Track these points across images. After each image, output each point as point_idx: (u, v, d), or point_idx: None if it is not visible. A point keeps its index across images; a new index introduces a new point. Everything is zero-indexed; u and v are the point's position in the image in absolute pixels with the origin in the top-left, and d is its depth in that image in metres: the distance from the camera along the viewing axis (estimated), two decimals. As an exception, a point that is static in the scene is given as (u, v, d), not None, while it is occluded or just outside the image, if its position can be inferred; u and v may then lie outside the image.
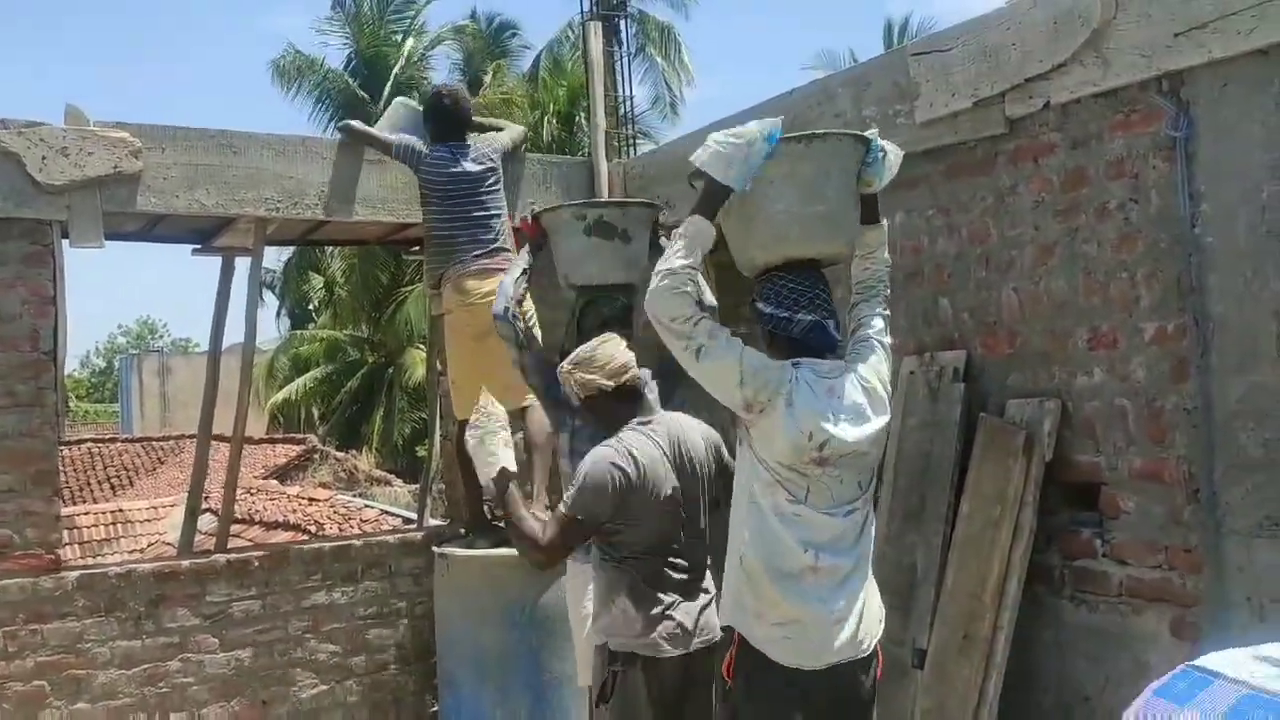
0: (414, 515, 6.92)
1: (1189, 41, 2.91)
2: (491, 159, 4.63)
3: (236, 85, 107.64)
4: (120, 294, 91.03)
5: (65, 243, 4.34)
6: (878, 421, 2.66)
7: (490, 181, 4.59)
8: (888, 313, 2.88)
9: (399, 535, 5.39)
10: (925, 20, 25.54)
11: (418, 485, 8.16)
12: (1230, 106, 2.90)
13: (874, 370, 2.73)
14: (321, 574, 4.78)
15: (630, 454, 3.03)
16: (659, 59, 21.60)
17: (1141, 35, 3.03)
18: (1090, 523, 3.30)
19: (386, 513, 11.31)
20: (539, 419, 4.51)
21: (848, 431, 2.59)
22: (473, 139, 4.72)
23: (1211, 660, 1.83)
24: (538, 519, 3.09)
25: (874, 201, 2.85)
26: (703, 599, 3.07)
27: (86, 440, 21.02)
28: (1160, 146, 3.07)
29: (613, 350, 3.12)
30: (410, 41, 21.30)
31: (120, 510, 14.20)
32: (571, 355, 3.18)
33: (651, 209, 3.96)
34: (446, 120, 4.63)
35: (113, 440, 21.70)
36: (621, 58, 17.13)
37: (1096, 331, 3.26)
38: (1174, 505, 3.04)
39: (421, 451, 16.81)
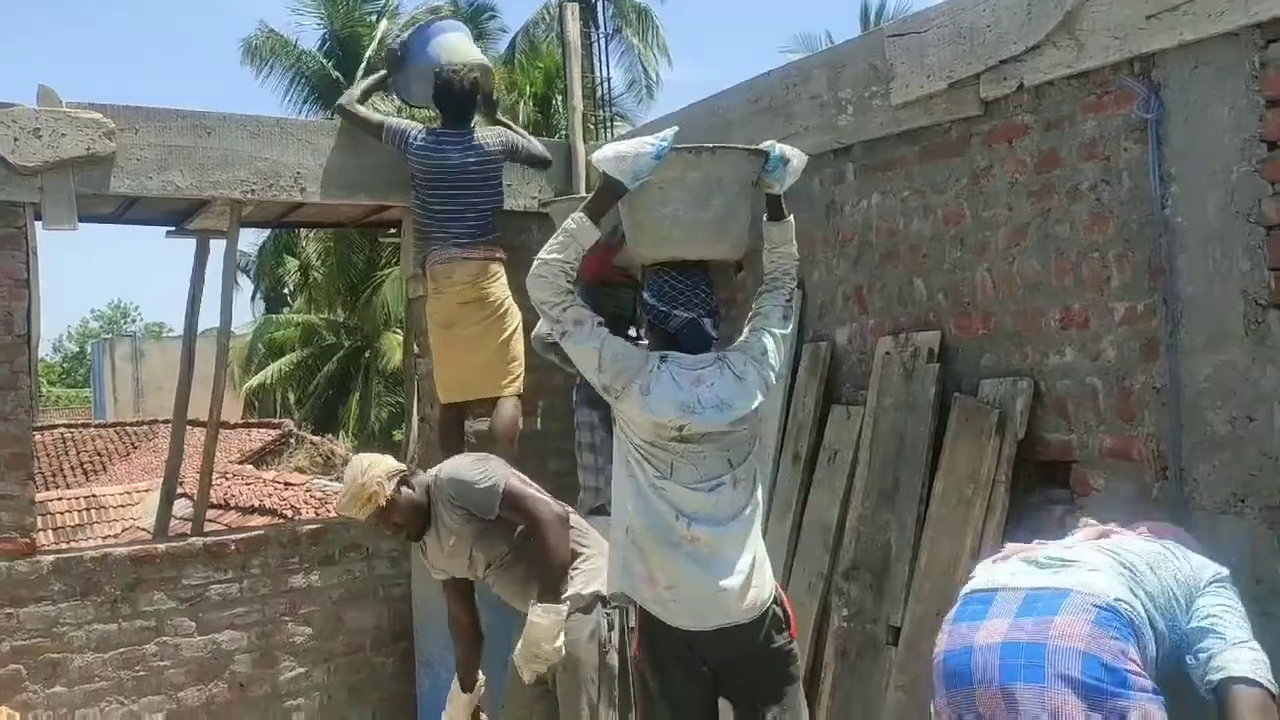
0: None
1: (1160, 24, 2.94)
2: (486, 149, 4.56)
3: (211, 69, 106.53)
4: (93, 278, 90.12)
5: (38, 225, 4.30)
6: (742, 409, 2.86)
7: (473, 173, 4.53)
8: (789, 302, 3.07)
9: (377, 518, 5.38)
10: (901, 4, 25.53)
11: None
12: (1201, 89, 2.92)
13: (754, 360, 2.93)
14: (299, 557, 4.78)
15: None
16: (636, 42, 21.51)
17: (1114, 17, 3.06)
18: (1061, 500, 3.34)
19: (363, 496, 11.25)
20: (507, 414, 4.55)
21: (708, 417, 2.80)
22: (479, 126, 4.66)
23: (978, 582, 2.38)
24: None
25: (778, 200, 3.03)
26: None
27: (59, 425, 20.84)
28: (1132, 128, 3.10)
29: (353, 473, 3.41)
30: (384, 23, 21.11)
31: (94, 496, 14.11)
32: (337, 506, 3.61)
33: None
34: (442, 102, 4.59)
35: (85, 425, 21.54)
36: (598, 39, 17.05)
37: (1068, 311, 3.29)
38: (1143, 483, 3.09)
39: (399, 435, 16.76)
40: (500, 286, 4.52)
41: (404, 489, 3.43)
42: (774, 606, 2.93)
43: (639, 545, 2.84)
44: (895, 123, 3.78)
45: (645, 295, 2.97)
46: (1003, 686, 2.11)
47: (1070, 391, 3.29)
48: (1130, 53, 3.03)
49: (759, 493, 2.96)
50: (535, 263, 2.87)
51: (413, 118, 5.57)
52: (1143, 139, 3.06)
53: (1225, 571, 2.39)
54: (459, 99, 4.56)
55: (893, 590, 3.62)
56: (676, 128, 2.84)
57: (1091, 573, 2.26)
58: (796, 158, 2.96)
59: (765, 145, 2.94)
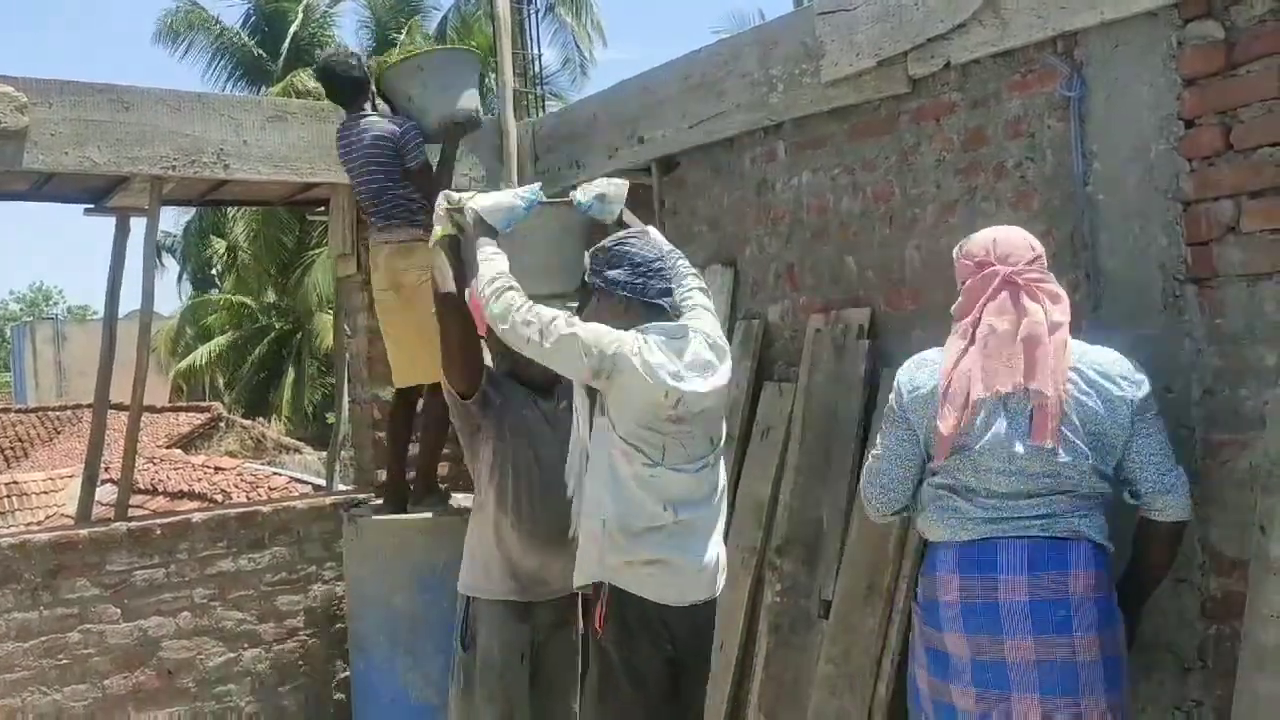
0: (324, 482, 6.83)
1: (1082, 3, 2.98)
2: (374, 133, 4.28)
3: (123, 43, 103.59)
4: (11, 259, 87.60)
5: (-53, 202, 4.16)
6: (723, 372, 2.94)
7: (366, 156, 4.28)
8: (701, 284, 3.17)
9: (307, 500, 5.32)
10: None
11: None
12: (1121, 67, 2.97)
13: (713, 327, 3.03)
14: (227, 541, 4.70)
15: None
16: (569, 20, 21.36)
17: (1038, -4, 3.09)
18: (988, 473, 3.40)
19: (296, 479, 11.17)
20: (442, 404, 4.46)
21: (699, 385, 2.84)
22: (378, 113, 4.50)
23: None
24: None
25: (620, 222, 3.24)
26: None
27: (-23, 411, 20.25)
28: (1055, 106, 3.15)
29: None
30: (307, -1, 20.69)
31: (15, 482, 13.73)
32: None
33: None
34: (328, 88, 4.54)
35: (6, 410, 20.97)
36: (530, 16, 16.91)
37: (995, 287, 3.33)
38: (1067, 455, 3.14)
39: (332, 418, 16.56)
40: (419, 271, 4.35)
41: None
42: None
43: (613, 539, 2.84)
44: (825, 100, 3.79)
45: (613, 274, 2.94)
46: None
47: (996, 366, 3.33)
48: (1053, 31, 3.08)
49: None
50: (484, 299, 2.91)
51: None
52: (1066, 117, 3.10)
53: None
54: (337, 82, 4.43)
55: (825, 564, 3.66)
56: (540, 183, 3.17)
57: None
58: (612, 187, 3.19)
59: (571, 195, 3.21)
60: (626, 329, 2.85)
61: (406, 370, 4.47)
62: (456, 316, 3.13)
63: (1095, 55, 3.03)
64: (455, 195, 3.20)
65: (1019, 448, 2.50)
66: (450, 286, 3.13)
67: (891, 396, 2.74)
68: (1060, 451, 2.47)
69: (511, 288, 2.90)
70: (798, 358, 3.95)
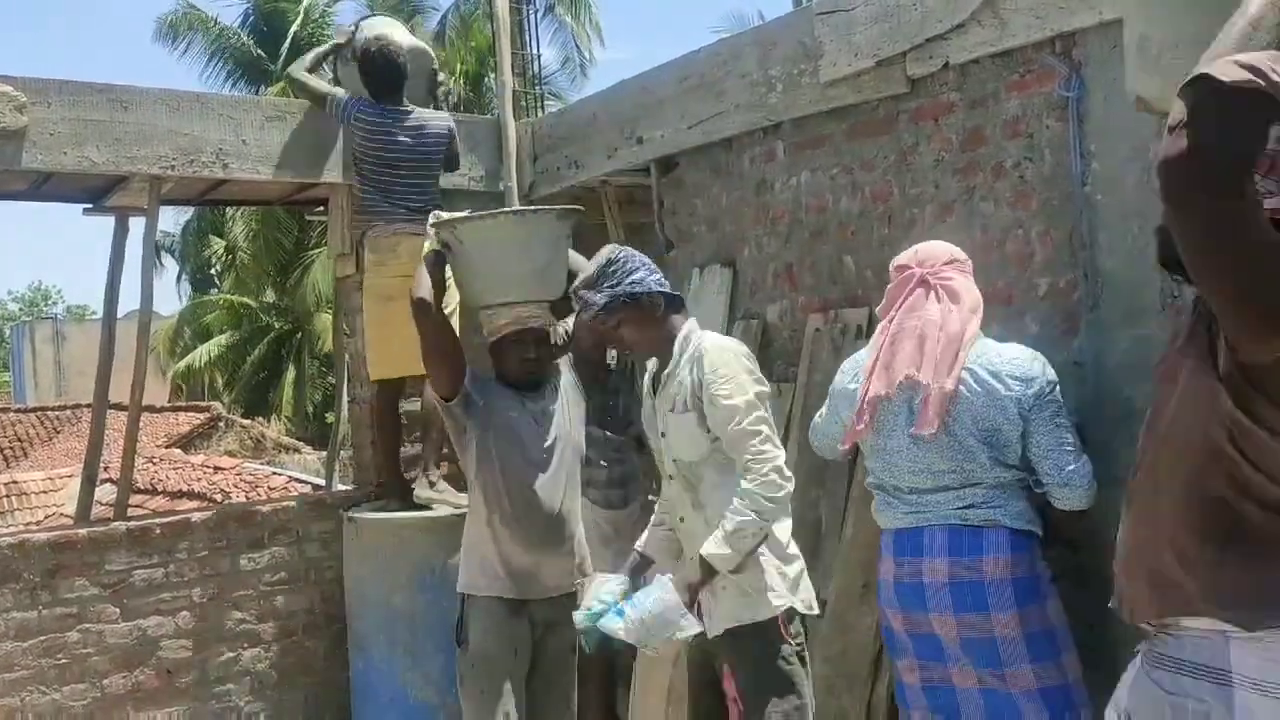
0: (324, 482, 6.83)
1: (1081, 3, 2.98)
2: (433, 129, 4.54)
3: (120, 42, 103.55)
4: (10, 259, 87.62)
5: (-54, 202, 4.16)
6: None
7: (420, 151, 4.49)
8: None
9: (306, 500, 5.32)
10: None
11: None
12: (1120, 67, 2.97)
13: None
14: (226, 540, 4.69)
15: None
16: (569, 19, 21.32)
17: (1036, -4, 3.10)
18: (987, 473, 3.41)
19: (295, 479, 11.17)
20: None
21: None
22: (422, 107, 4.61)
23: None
24: None
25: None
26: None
27: (-24, 411, 20.24)
28: (1054, 106, 3.15)
29: None
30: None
31: (14, 482, 13.71)
32: None
33: None
34: (375, 76, 4.53)
35: (5, 410, 20.95)
36: (529, 15, 16.92)
37: (993, 287, 3.32)
38: (1065, 455, 3.14)
39: (332, 418, 16.54)
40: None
41: None
42: None
43: (789, 546, 2.96)
44: (824, 100, 3.80)
45: (636, 277, 2.92)
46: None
47: (995, 366, 3.34)
48: (1052, 31, 3.08)
49: None
50: (745, 542, 2.78)
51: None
52: (1064, 117, 3.11)
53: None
54: (393, 73, 4.48)
55: (823, 565, 3.65)
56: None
57: None
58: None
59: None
60: (663, 326, 2.95)
61: (390, 361, 4.49)
62: (427, 320, 3.23)
63: (1093, 55, 3.03)
64: (444, 215, 3.27)
65: (913, 444, 2.76)
66: (423, 293, 3.22)
67: (831, 385, 3.09)
68: (951, 448, 2.72)
69: (753, 526, 2.79)
70: (796, 358, 3.95)
